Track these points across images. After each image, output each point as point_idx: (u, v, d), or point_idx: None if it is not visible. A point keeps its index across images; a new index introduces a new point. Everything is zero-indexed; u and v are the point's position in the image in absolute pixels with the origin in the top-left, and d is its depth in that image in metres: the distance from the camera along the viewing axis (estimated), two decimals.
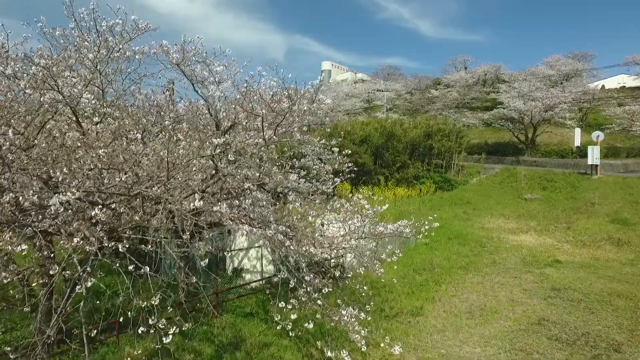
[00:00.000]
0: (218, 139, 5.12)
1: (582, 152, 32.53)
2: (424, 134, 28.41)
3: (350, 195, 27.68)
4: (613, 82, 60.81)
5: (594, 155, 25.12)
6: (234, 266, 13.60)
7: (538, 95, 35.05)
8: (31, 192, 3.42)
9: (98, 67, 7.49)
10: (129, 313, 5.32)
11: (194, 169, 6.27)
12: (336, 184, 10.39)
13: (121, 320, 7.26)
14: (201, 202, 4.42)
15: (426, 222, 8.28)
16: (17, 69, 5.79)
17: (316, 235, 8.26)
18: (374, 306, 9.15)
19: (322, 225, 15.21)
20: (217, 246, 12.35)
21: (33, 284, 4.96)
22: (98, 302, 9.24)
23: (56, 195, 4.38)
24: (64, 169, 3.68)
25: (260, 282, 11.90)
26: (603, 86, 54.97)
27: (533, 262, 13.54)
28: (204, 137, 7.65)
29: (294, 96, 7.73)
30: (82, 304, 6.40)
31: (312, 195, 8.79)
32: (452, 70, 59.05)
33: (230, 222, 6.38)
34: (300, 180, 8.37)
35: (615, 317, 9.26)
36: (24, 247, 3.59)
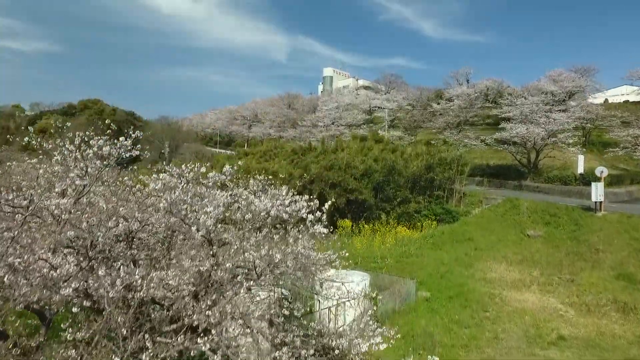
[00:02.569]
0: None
1: (585, 180, 32.19)
2: (425, 167, 28.09)
3: (350, 231, 26.94)
4: (616, 93, 60.37)
5: (597, 192, 24.77)
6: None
7: (541, 121, 34.70)
8: None
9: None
10: None
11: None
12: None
13: None
14: None
15: None
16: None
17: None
18: None
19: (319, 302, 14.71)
20: None
21: None
22: None
23: None
24: None
25: None
26: (606, 100, 54.52)
27: (536, 338, 13.26)
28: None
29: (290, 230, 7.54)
30: None
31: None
32: (454, 83, 58.60)
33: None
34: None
35: None
36: None
